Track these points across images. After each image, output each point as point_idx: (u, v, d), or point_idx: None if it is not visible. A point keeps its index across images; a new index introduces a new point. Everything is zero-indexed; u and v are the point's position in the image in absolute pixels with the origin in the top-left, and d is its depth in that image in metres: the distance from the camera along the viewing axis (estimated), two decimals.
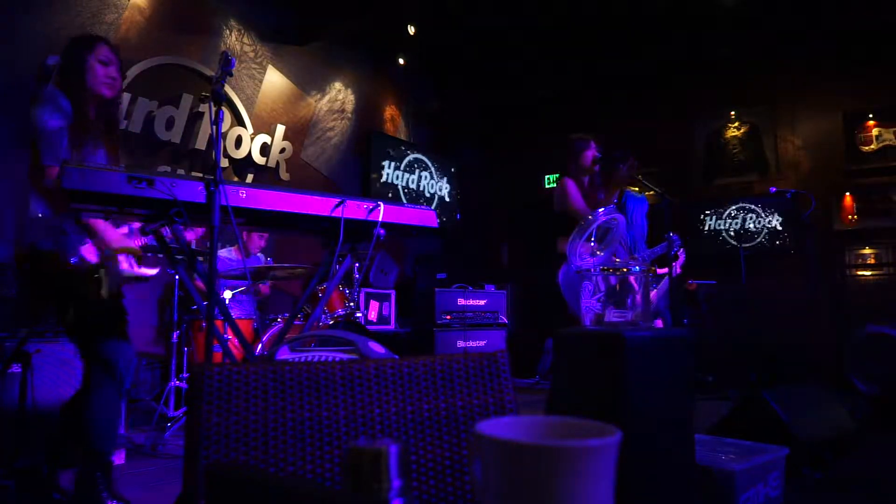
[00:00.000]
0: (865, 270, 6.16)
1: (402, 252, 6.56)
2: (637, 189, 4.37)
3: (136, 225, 2.17)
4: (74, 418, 2.04)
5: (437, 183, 7.39)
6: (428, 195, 7.23)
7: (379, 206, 2.01)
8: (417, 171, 7.11)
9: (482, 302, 4.49)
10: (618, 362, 1.49)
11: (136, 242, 2.17)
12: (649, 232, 4.29)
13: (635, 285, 1.65)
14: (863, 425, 3.05)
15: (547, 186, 7.65)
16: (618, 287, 1.66)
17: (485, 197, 8.31)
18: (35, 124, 1.99)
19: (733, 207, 6.74)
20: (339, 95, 6.33)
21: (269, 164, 5.46)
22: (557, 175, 3.56)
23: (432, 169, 7.34)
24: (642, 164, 3.58)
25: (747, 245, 6.31)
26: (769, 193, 4.30)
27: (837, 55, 6.09)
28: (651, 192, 4.22)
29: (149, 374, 4.18)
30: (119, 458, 2.79)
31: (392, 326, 5.23)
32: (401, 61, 6.48)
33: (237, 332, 2.03)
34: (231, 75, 1.83)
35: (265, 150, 5.44)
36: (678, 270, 4.00)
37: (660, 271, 3.95)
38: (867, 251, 6.15)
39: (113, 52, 2.19)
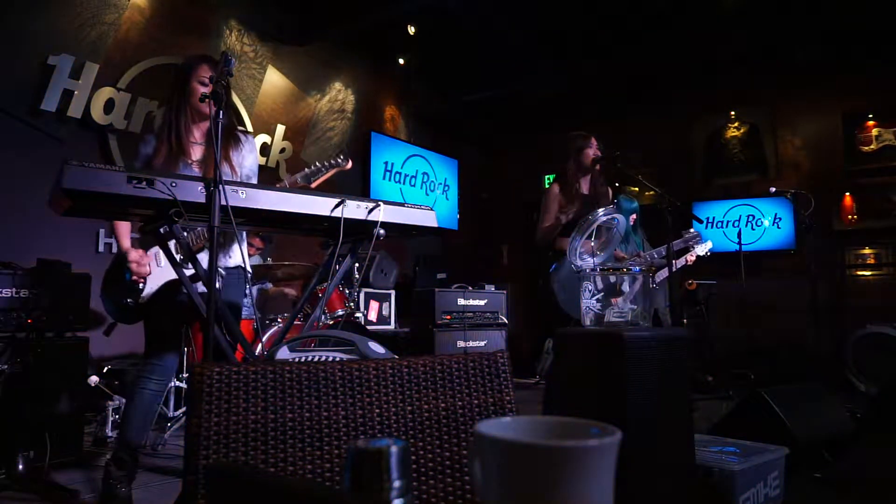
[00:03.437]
0: (865, 270, 6.16)
1: (402, 252, 6.55)
2: (635, 189, 4.37)
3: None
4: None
5: (437, 183, 7.39)
6: (428, 195, 7.23)
7: (379, 206, 2.01)
8: (417, 171, 7.11)
9: (482, 302, 4.48)
10: (618, 362, 1.49)
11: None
12: (647, 232, 4.29)
13: (635, 285, 1.65)
14: (863, 425, 3.05)
15: (547, 186, 7.65)
16: (617, 287, 1.66)
17: (485, 197, 8.31)
18: None
19: (733, 207, 6.74)
20: (339, 95, 6.33)
21: (269, 164, 5.46)
22: (554, 176, 3.54)
23: (432, 169, 7.33)
24: (642, 164, 3.57)
25: (747, 245, 6.31)
26: (769, 193, 4.29)
27: (837, 55, 6.08)
28: (651, 192, 4.21)
29: None
30: None
31: (392, 326, 5.22)
32: (401, 61, 6.48)
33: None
34: (231, 75, 1.83)
35: (265, 150, 5.44)
36: (681, 262, 3.98)
37: (659, 274, 3.94)
38: (867, 251, 6.16)
39: (213, 69, 2.18)
